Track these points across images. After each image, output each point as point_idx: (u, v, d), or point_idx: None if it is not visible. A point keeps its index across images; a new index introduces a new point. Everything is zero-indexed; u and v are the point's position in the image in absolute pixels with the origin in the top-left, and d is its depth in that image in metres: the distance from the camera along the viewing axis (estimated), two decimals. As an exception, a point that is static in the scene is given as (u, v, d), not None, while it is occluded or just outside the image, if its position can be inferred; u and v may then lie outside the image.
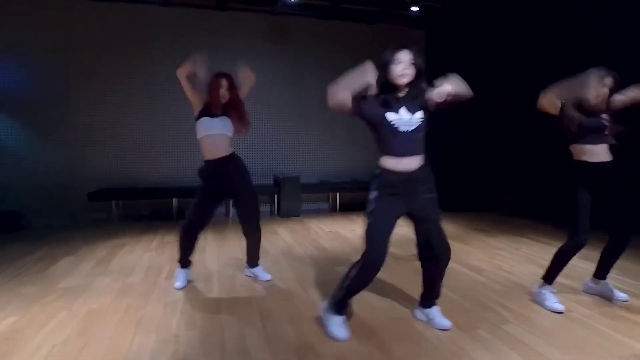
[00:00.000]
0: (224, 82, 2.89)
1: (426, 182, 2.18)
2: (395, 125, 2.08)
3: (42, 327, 2.38)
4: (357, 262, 2.19)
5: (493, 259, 3.79)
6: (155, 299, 2.80)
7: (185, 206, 5.54)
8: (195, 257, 3.47)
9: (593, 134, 2.54)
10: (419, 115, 2.13)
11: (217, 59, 6.19)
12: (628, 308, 2.64)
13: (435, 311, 2.39)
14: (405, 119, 2.09)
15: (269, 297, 2.84)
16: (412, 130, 2.10)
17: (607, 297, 2.78)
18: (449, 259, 2.31)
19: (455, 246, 4.22)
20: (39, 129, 5.63)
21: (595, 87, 2.52)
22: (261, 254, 3.29)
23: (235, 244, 4.35)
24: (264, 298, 2.83)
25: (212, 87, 2.88)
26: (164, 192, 5.78)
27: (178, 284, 3.02)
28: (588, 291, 2.90)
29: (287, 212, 6.08)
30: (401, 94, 2.15)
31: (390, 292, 2.90)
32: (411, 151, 2.12)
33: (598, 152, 2.56)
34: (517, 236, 4.72)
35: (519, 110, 5.97)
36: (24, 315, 2.54)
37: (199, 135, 2.90)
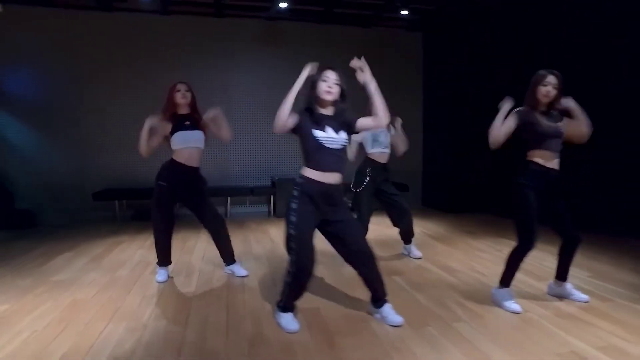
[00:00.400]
0: (182, 86, 3.09)
1: (340, 196, 2.36)
2: (321, 142, 2.25)
3: (27, 314, 2.63)
4: (288, 271, 2.34)
5: (471, 261, 3.86)
6: (135, 292, 3.02)
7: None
8: (181, 255, 3.67)
9: (550, 140, 2.62)
10: (343, 135, 2.30)
11: (216, 64, 6.50)
12: (585, 308, 2.70)
13: (387, 309, 2.51)
14: (331, 137, 2.26)
15: (239, 292, 3.02)
16: (336, 149, 2.27)
17: (569, 298, 2.84)
18: (374, 259, 2.45)
19: (437, 248, 4.35)
20: (49, 132, 5.99)
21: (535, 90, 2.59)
22: (246, 252, 3.48)
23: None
24: (235, 293, 3.01)
25: (170, 91, 3.09)
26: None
27: (159, 278, 3.24)
28: (551, 293, 2.96)
29: (282, 213, 6.26)
30: (327, 112, 2.32)
31: (355, 288, 3.03)
32: (334, 167, 2.28)
33: (553, 158, 2.63)
34: (502, 238, 4.77)
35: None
36: (15, 304, 2.80)
37: (176, 147, 3.06)
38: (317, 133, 2.25)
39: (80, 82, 6.05)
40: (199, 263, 3.78)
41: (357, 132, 2.37)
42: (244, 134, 6.59)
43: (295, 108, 2.28)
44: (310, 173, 2.29)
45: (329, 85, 2.26)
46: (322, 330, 2.40)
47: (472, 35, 6.46)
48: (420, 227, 5.59)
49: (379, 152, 3.72)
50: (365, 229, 3.76)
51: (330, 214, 2.34)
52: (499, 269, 3.54)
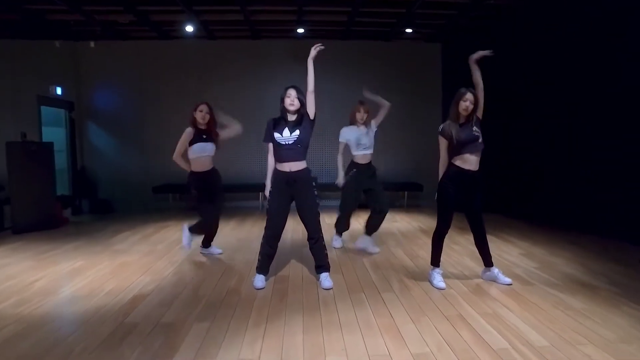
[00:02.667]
0: (204, 107, 4.05)
1: (304, 179, 3.24)
2: (278, 141, 3.22)
3: (93, 267, 3.88)
4: (263, 236, 3.28)
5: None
6: (165, 259, 4.16)
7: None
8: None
9: (468, 145, 3.24)
10: (297, 132, 3.20)
11: (253, 80, 7.61)
12: (504, 289, 3.26)
13: (323, 276, 3.37)
14: (284, 136, 3.20)
15: (235, 265, 4.02)
16: (289, 144, 3.19)
17: (495, 281, 3.42)
18: (319, 238, 3.32)
19: (419, 240, 5.01)
20: (122, 138, 7.56)
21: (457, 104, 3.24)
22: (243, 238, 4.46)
23: (237, 231, 5.62)
24: (232, 265, 4.02)
25: (194, 109, 4.03)
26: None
27: (185, 241, 4.19)
28: (484, 277, 3.54)
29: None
30: (290, 119, 3.26)
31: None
32: (290, 159, 3.21)
33: (470, 160, 3.25)
34: (494, 237, 5.09)
35: (531, 116, 6.20)
36: (87, 262, 4.09)
37: (193, 156, 4.02)
38: (276, 135, 3.23)
39: (145, 98, 7.53)
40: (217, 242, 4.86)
41: (312, 118, 3.27)
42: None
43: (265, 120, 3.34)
44: (277, 165, 3.28)
45: (292, 100, 3.21)
46: (280, 289, 3.29)
47: (491, 43, 6.78)
48: (419, 222, 6.22)
49: (362, 154, 4.33)
50: (347, 224, 4.53)
51: (296, 194, 3.24)
52: (460, 259, 4.17)
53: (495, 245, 4.65)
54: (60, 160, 7.11)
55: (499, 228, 5.58)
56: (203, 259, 4.22)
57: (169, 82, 7.51)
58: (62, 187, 7.05)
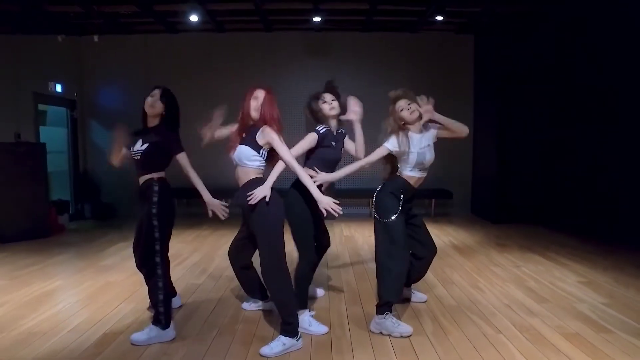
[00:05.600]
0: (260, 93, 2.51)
1: (147, 195, 2.57)
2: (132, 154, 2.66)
3: (69, 289, 3.34)
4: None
5: (478, 275, 3.75)
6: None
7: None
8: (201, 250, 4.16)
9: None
10: (141, 147, 2.61)
11: (266, 75, 7.01)
12: (567, 334, 2.53)
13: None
14: (136, 149, 2.62)
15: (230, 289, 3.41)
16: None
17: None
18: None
19: (451, 259, 4.27)
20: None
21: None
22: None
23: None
24: (226, 289, 3.41)
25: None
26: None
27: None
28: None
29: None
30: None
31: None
32: (138, 172, 2.66)
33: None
34: (532, 253, 4.47)
35: (577, 116, 5.50)
36: (65, 281, 3.56)
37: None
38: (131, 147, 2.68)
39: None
40: (219, 260, 4.26)
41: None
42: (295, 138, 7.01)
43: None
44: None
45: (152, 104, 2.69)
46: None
47: (526, 33, 6.05)
48: (450, 235, 5.48)
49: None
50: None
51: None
52: (499, 288, 3.42)
53: (546, 269, 3.90)
54: (61, 162, 6.69)
55: (544, 244, 4.80)
56: (199, 280, 3.62)
57: (178, 79, 6.97)
58: (63, 191, 6.63)
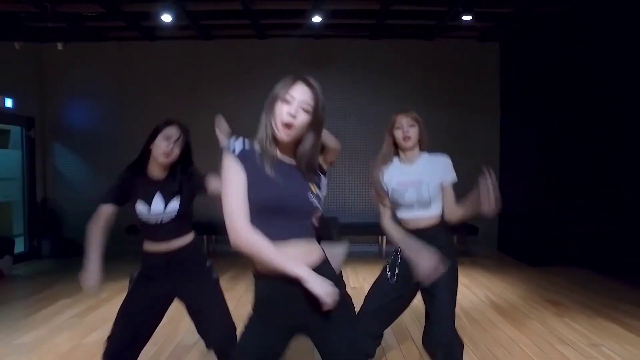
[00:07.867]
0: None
1: (196, 261, 2.04)
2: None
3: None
4: None
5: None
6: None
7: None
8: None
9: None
10: (166, 206, 1.97)
11: (260, 87, 6.04)
12: None
13: None
14: (156, 211, 1.96)
15: None
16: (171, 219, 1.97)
17: None
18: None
19: (499, 329, 3.15)
20: (96, 162, 6.05)
21: None
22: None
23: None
24: None
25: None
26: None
27: None
28: None
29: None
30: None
31: None
32: (163, 238, 2.00)
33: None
34: (600, 317, 3.39)
35: (627, 135, 4.52)
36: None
37: None
38: None
39: (126, 110, 6.05)
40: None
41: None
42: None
43: None
44: None
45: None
46: None
47: (559, 43, 5.11)
48: (485, 287, 4.36)
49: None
50: None
51: None
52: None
53: (607, 335, 2.80)
54: (13, 190, 5.67)
55: (609, 302, 3.72)
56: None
57: (157, 94, 6.01)
58: (15, 225, 5.58)
